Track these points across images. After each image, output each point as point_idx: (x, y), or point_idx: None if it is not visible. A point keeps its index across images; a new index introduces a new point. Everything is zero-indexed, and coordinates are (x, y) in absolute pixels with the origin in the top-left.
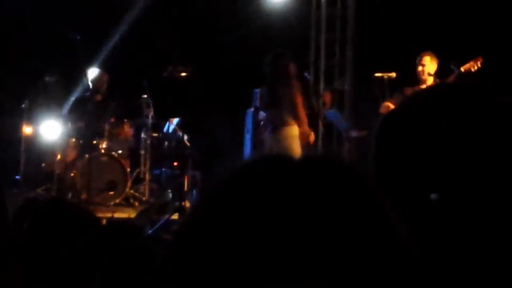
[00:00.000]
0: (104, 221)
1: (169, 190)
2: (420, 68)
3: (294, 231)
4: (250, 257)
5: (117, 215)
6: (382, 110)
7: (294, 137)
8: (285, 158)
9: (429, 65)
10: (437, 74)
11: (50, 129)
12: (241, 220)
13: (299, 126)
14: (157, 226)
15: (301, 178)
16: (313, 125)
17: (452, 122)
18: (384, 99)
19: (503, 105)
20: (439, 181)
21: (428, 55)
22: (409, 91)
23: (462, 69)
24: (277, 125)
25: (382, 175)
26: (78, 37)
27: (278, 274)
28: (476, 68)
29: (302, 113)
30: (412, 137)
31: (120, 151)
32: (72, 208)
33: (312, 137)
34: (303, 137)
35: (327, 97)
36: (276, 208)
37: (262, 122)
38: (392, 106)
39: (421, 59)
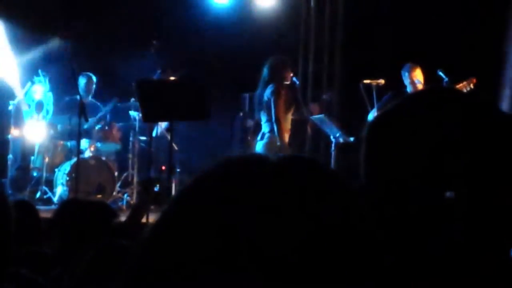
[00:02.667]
0: None
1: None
2: (409, 81)
3: (265, 229)
4: (223, 252)
5: None
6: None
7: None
8: (260, 157)
9: (419, 76)
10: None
11: (38, 131)
12: (212, 217)
13: (278, 133)
14: None
15: (274, 177)
16: (301, 131)
17: (439, 124)
18: (372, 106)
19: (491, 110)
20: (428, 180)
21: (417, 68)
22: None
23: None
24: (265, 132)
25: (372, 174)
26: (68, 40)
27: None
28: (468, 89)
29: (279, 122)
30: (401, 136)
31: (108, 155)
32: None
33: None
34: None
35: (315, 110)
36: (248, 206)
37: (251, 129)
38: None
39: (411, 70)
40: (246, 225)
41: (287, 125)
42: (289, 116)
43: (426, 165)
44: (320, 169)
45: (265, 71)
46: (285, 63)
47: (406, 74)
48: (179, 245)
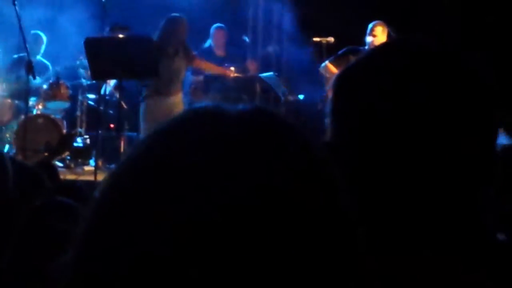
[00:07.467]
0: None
1: None
2: (370, 38)
3: (225, 186)
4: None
5: None
6: (324, 70)
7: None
8: (218, 110)
9: (380, 36)
10: None
11: None
12: (170, 172)
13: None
14: None
15: (237, 129)
16: (250, 89)
17: (404, 76)
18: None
19: (454, 60)
20: (394, 135)
21: (380, 25)
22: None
23: None
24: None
25: (338, 129)
26: None
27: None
28: None
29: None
30: (367, 90)
31: (56, 113)
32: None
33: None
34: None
35: (253, 66)
36: (208, 163)
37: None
38: (334, 69)
39: (372, 29)
40: (202, 184)
41: None
42: None
43: (395, 119)
44: (283, 121)
45: (158, 34)
46: (178, 23)
47: (369, 30)
48: (128, 216)
